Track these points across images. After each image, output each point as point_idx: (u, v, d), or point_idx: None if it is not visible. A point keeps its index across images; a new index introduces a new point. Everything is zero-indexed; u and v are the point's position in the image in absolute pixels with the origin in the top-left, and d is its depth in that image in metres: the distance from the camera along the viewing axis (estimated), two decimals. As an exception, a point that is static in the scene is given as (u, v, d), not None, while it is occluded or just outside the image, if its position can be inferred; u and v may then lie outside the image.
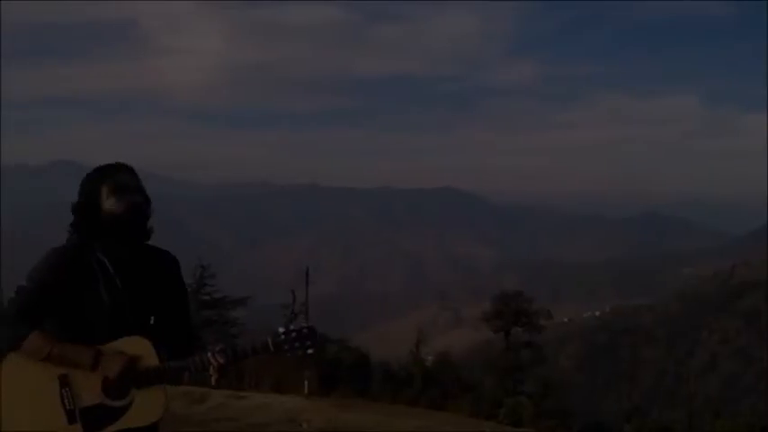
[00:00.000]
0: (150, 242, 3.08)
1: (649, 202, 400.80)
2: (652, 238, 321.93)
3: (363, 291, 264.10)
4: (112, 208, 2.87)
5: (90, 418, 2.79)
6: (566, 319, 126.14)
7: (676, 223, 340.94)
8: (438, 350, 38.43)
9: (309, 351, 2.98)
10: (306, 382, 19.65)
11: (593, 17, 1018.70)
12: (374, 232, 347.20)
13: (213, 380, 2.99)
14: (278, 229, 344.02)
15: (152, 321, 2.93)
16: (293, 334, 2.97)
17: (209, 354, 2.90)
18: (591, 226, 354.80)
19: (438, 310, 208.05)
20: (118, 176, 2.93)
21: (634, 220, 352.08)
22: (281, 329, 2.99)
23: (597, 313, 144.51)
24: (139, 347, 2.85)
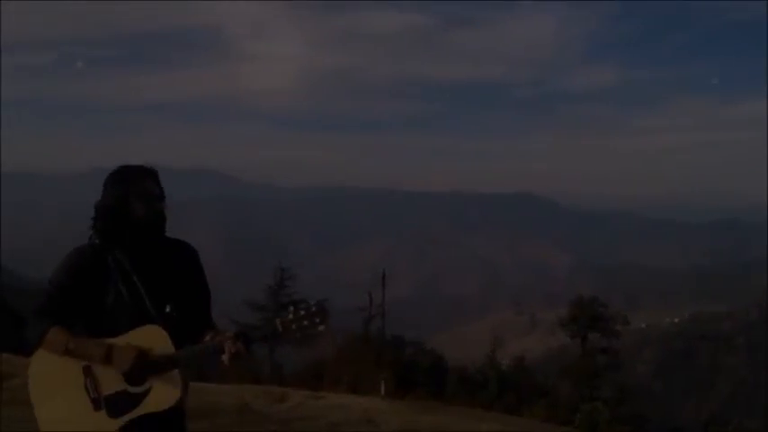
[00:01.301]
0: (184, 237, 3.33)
1: (730, 208, 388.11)
2: (732, 244, 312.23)
3: (439, 294, 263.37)
4: (139, 215, 3.06)
5: (113, 405, 2.98)
6: (643, 325, 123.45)
7: (757, 229, 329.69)
8: (513, 354, 38.26)
9: (320, 328, 3.05)
10: (382, 384, 19.81)
11: (675, 19, 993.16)
12: (450, 236, 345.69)
13: (226, 360, 3.03)
14: (355, 232, 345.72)
15: (168, 309, 3.08)
16: (302, 312, 3.05)
17: (224, 339, 3.02)
18: (670, 231, 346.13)
19: (513, 315, 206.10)
20: (144, 184, 3.10)
21: (714, 226, 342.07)
22: (291, 308, 3.07)
23: (675, 319, 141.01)
24: (153, 336, 3.01)
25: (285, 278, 32.52)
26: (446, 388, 28.33)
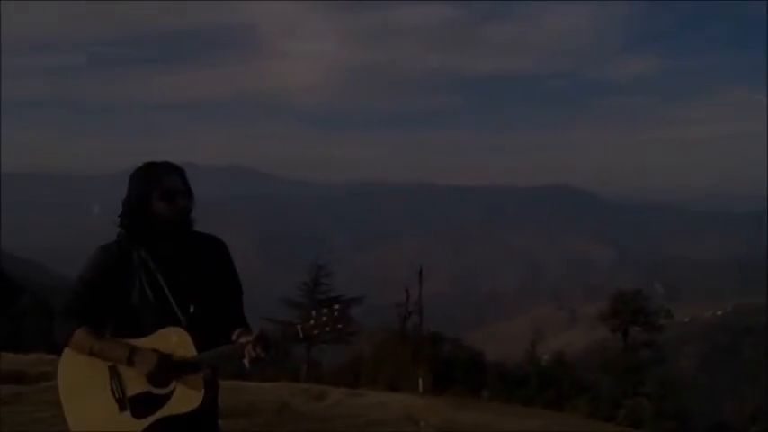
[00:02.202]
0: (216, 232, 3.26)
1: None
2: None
3: (477, 290, 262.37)
4: (162, 212, 3.02)
5: (138, 406, 2.95)
6: (686, 319, 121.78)
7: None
8: (553, 350, 37.89)
9: (339, 326, 3.01)
10: (420, 381, 19.74)
11: (713, 8, 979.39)
12: (487, 231, 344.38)
13: (247, 364, 3.01)
14: (391, 228, 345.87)
15: (191, 310, 3.03)
16: (323, 318, 3.00)
17: (245, 343, 2.97)
18: (713, 223, 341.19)
19: (552, 310, 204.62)
20: (168, 180, 3.06)
21: (758, 217, 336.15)
22: (313, 313, 3.01)
23: (718, 312, 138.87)
24: (175, 338, 2.98)
25: (321, 275, 32.60)
26: (485, 384, 28.19)
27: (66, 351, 3.01)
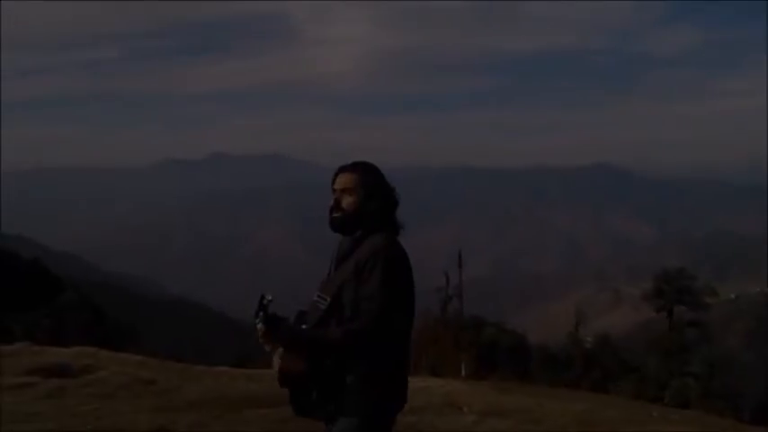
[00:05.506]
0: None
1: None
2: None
3: (518, 272, 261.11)
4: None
5: None
6: (732, 296, 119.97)
7: None
8: (597, 331, 37.59)
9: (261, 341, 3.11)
10: (463, 365, 19.69)
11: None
12: (527, 212, 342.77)
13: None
14: (431, 211, 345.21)
15: (315, 298, 3.22)
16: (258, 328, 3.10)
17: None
18: (757, 197, 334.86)
19: (595, 291, 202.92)
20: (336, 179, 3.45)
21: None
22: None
23: (766, 289, 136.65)
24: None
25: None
26: (529, 367, 28.07)
27: None
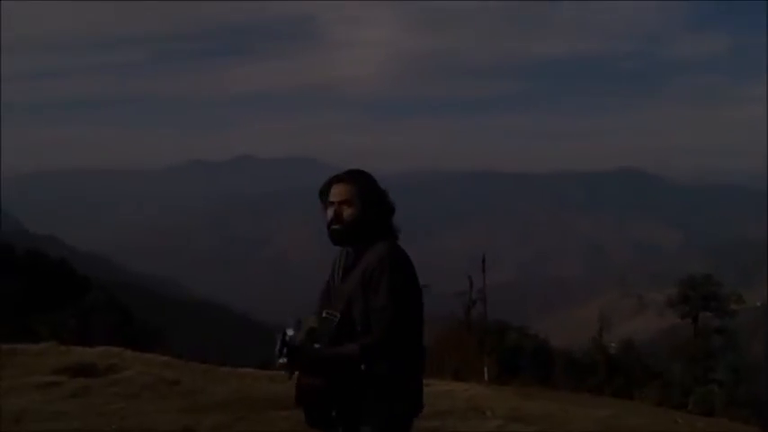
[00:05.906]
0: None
1: None
2: None
3: (541, 277, 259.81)
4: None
5: None
6: (758, 303, 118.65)
7: None
8: (621, 337, 37.33)
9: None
10: (486, 370, 19.65)
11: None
12: (551, 217, 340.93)
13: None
14: (455, 216, 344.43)
15: (324, 314, 3.19)
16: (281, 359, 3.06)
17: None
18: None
19: (619, 296, 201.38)
20: (330, 190, 3.39)
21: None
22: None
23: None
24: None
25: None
26: (552, 373, 27.93)
27: None
